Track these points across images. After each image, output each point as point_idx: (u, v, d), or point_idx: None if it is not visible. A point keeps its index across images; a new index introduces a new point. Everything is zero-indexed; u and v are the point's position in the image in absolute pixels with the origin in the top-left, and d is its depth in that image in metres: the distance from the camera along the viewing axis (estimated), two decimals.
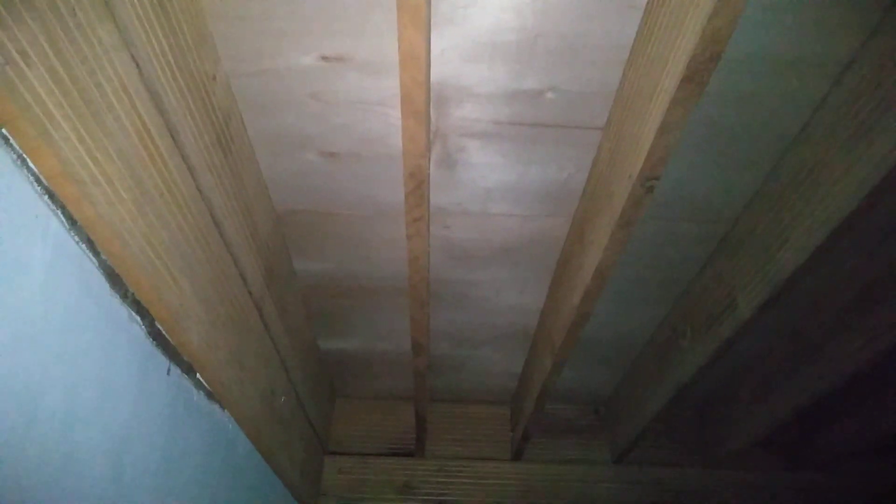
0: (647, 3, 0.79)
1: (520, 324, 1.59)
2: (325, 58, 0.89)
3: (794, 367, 1.57)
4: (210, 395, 1.04)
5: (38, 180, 0.59)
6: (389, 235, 1.25)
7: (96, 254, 0.69)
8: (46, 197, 0.61)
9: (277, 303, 1.27)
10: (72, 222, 0.65)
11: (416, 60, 0.67)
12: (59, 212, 0.63)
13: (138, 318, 0.79)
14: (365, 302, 1.51)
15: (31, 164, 0.58)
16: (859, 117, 0.89)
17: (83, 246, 0.67)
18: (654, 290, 1.44)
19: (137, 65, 0.69)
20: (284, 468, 1.44)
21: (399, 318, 1.53)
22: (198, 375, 0.99)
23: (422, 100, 0.72)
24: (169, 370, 0.87)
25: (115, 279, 0.73)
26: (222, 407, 1.10)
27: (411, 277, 1.03)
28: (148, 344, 0.82)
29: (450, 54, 0.89)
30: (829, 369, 1.45)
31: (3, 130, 0.55)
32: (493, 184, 1.13)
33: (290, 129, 1.02)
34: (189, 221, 0.83)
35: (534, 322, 1.58)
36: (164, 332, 0.84)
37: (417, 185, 0.82)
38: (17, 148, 0.56)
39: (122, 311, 0.76)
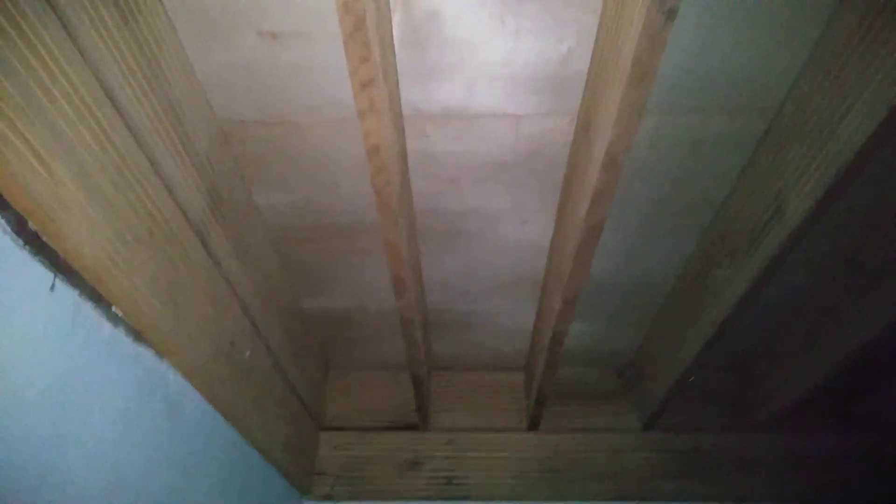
0: None
1: (527, 265, 1.37)
2: None
3: (848, 304, 1.33)
4: (137, 336, 0.85)
5: None
6: (360, 150, 1.05)
7: None
8: None
9: (232, 238, 1.07)
10: None
11: None
12: None
13: None
14: (345, 245, 1.31)
15: None
16: None
17: None
18: (680, 216, 1.22)
19: None
20: (257, 437, 1.24)
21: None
22: (114, 309, 0.79)
23: None
24: (53, 286, 0.68)
25: None
26: (159, 354, 0.91)
27: (374, 178, 0.82)
28: (14, 246, 0.62)
29: None
30: (893, 303, 1.22)
31: None
32: (475, 68, 0.91)
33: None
34: (64, 91, 0.64)
35: (542, 262, 1.36)
36: (40, 236, 0.65)
37: (358, 24, 0.61)
38: None
39: None
